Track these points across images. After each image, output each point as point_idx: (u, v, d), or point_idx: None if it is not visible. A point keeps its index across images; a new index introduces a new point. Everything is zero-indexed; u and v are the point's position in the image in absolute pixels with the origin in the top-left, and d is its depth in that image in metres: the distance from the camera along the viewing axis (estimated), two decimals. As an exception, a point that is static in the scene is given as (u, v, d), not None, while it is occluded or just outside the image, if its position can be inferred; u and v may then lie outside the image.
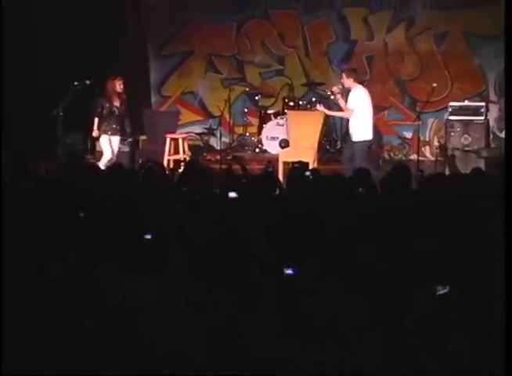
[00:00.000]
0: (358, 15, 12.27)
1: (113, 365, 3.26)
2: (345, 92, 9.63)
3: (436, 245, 3.93)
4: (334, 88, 9.74)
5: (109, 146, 9.65)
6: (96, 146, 11.48)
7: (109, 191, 5.65)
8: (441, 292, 3.84)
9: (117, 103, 9.63)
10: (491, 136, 11.60)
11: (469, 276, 3.57)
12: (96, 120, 9.59)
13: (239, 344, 3.31)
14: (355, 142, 9.37)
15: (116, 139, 9.71)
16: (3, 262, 3.85)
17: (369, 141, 9.53)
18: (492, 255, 3.79)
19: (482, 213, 4.81)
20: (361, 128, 9.37)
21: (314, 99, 11.56)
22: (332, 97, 9.95)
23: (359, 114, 9.35)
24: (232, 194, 5.12)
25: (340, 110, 9.76)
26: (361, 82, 9.73)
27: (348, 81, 9.41)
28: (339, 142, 11.67)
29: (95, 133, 9.65)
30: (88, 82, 10.17)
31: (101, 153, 9.90)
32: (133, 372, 3.26)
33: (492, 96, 12.05)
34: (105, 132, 9.63)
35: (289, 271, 4.23)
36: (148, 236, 4.37)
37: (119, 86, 9.66)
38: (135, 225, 4.56)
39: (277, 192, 5.88)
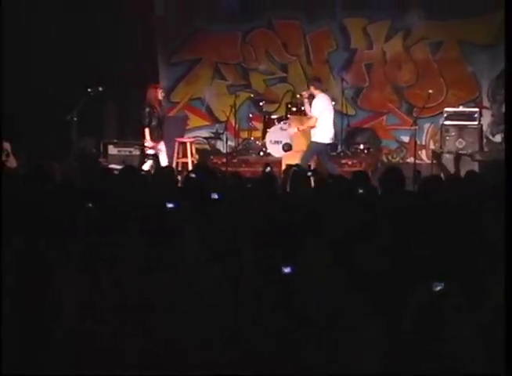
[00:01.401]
0: (357, 25, 12.26)
1: (113, 365, 3.20)
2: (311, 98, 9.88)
3: (432, 244, 3.90)
4: (303, 93, 9.99)
5: (164, 153, 9.58)
6: (108, 149, 11.48)
7: (122, 191, 5.64)
8: (437, 289, 3.80)
9: (159, 110, 9.55)
10: (484, 140, 11.57)
11: (466, 274, 3.52)
12: (147, 130, 9.41)
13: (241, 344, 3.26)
14: (312, 142, 9.56)
15: (163, 144, 9.65)
16: (5, 262, 3.79)
17: (325, 144, 9.67)
18: (487, 254, 3.75)
19: (477, 213, 4.78)
20: (320, 131, 9.55)
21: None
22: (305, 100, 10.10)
23: (322, 119, 9.55)
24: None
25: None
26: (323, 90, 9.88)
27: (311, 89, 9.67)
28: (339, 146, 11.64)
29: (149, 143, 9.44)
30: (100, 89, 10.18)
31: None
32: (133, 372, 3.21)
33: (485, 102, 12.03)
34: (156, 141, 9.48)
35: (287, 269, 4.20)
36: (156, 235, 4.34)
37: (160, 94, 9.60)
38: (146, 225, 4.53)
39: (277, 191, 5.86)
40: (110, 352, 3.25)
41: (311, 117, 9.84)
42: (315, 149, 9.66)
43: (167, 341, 3.24)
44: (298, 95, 10.71)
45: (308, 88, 9.99)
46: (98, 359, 3.24)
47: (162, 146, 9.56)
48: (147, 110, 9.38)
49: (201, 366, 3.15)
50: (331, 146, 10.87)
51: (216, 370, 3.11)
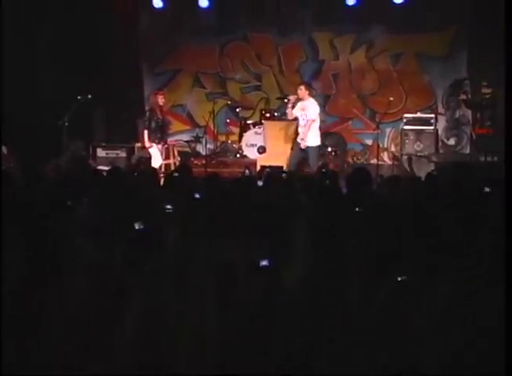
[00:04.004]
0: (325, 38, 12.22)
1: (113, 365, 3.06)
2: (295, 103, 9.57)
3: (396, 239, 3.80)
4: (291, 97, 9.64)
5: (158, 154, 9.44)
6: (97, 152, 11.32)
7: (110, 191, 5.50)
8: (400, 279, 3.70)
9: (160, 115, 9.45)
10: (439, 143, 11.61)
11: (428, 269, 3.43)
12: (146, 132, 9.32)
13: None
14: (310, 147, 9.27)
15: (160, 146, 9.52)
16: (4, 263, 3.64)
17: (319, 146, 9.52)
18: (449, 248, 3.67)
19: (434, 209, 4.72)
20: (315, 135, 9.32)
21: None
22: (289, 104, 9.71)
23: (315, 123, 9.34)
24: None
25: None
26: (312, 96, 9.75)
27: (305, 93, 9.37)
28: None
29: (147, 144, 9.35)
30: (89, 96, 10.05)
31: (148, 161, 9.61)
32: (134, 372, 3.07)
33: (440, 109, 12.04)
34: (154, 142, 9.39)
35: (264, 262, 4.09)
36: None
37: (161, 100, 9.49)
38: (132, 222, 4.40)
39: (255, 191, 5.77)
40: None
41: (288, 122, 9.64)
42: (316, 152, 9.32)
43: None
44: (286, 100, 10.32)
45: (296, 93, 9.67)
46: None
47: (159, 147, 9.47)
48: (147, 113, 9.39)
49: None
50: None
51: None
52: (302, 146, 9.16)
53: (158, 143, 9.50)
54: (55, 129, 9.88)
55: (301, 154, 9.28)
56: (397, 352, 2.91)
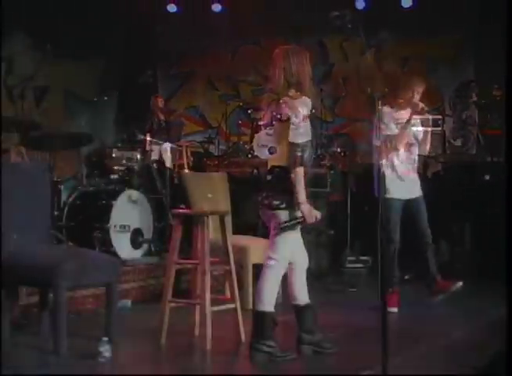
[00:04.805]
0: (335, 42, 12.26)
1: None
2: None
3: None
4: (285, 98, 9.67)
5: (166, 156, 9.44)
6: (113, 152, 11.37)
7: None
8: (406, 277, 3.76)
9: (161, 117, 9.51)
10: (446, 144, 11.60)
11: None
12: (148, 135, 9.32)
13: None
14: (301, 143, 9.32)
15: (168, 145, 9.52)
16: None
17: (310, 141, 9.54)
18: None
19: (443, 206, 4.78)
20: (305, 130, 9.34)
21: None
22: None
23: (306, 120, 9.37)
24: None
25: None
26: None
27: (297, 95, 9.39)
28: (319, 149, 11.60)
29: (148, 147, 9.30)
30: (105, 98, 10.14)
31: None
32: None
33: (447, 110, 12.04)
34: (157, 144, 9.38)
35: (271, 262, 4.18)
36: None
37: (161, 102, 9.57)
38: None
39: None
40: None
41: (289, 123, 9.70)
42: (292, 147, 9.37)
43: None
44: (281, 101, 10.33)
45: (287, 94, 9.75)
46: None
47: (167, 146, 9.48)
48: (148, 116, 9.46)
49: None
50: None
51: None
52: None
53: (161, 144, 9.46)
54: (73, 130, 9.97)
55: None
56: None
